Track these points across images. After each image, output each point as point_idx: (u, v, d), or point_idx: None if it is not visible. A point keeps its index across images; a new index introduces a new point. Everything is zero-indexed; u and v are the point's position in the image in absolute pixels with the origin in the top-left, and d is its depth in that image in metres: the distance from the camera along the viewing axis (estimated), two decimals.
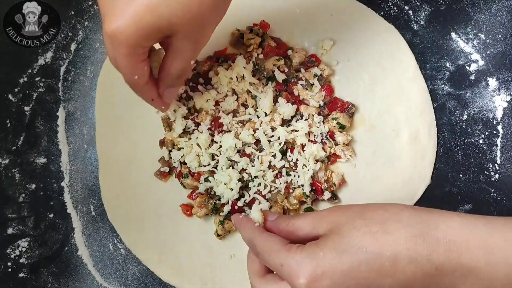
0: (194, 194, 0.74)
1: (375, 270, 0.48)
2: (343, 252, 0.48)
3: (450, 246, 0.48)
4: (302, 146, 0.73)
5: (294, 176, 0.72)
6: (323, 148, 0.73)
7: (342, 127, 0.73)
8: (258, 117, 0.73)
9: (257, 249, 0.56)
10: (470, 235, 0.49)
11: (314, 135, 0.73)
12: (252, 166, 0.72)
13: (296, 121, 0.73)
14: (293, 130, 0.73)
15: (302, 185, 0.72)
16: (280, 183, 0.72)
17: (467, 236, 0.49)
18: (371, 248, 0.48)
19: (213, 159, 0.73)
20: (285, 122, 0.73)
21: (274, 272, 0.55)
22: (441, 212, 0.52)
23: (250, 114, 0.73)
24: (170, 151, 0.75)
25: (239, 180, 0.71)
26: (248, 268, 0.59)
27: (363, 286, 0.48)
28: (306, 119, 0.73)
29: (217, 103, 0.74)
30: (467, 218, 0.51)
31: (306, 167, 0.72)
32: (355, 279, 0.48)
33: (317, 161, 0.72)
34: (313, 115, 0.74)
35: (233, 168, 0.72)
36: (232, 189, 0.70)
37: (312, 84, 0.75)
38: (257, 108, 0.73)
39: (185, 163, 0.74)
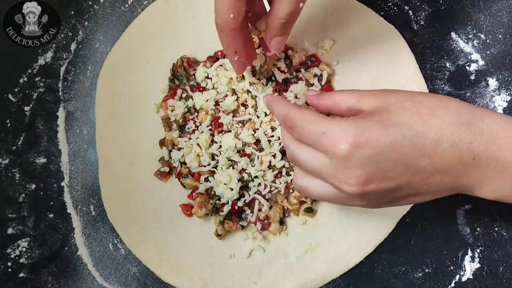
0: (194, 194, 0.74)
1: (416, 148, 0.48)
2: (389, 126, 0.49)
3: (492, 139, 0.49)
4: None
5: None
6: None
7: None
8: (258, 117, 0.73)
9: (294, 121, 0.54)
10: None
11: None
12: (252, 166, 0.72)
13: None
14: None
15: None
16: (280, 183, 0.72)
17: (510, 133, 0.50)
18: (417, 127, 0.49)
19: (213, 159, 0.73)
20: None
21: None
22: (488, 110, 0.52)
23: (250, 114, 0.73)
24: (170, 151, 0.75)
25: (239, 180, 0.71)
26: (283, 135, 0.58)
27: (401, 161, 0.49)
28: None
29: (217, 103, 0.74)
30: None
31: None
32: (396, 152, 0.48)
33: None
34: None
35: (233, 168, 0.72)
36: (232, 189, 0.70)
37: (312, 84, 0.75)
38: (257, 108, 0.73)
39: (185, 163, 0.74)
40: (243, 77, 0.73)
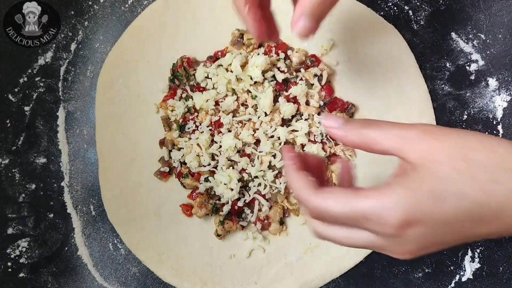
0: (194, 194, 0.74)
1: (475, 220, 0.43)
2: (443, 199, 0.42)
3: None
4: (302, 146, 0.73)
5: None
6: (323, 148, 0.73)
7: None
8: (258, 117, 0.73)
9: (322, 213, 0.45)
10: None
11: (314, 135, 0.73)
12: (252, 166, 0.72)
13: (296, 121, 0.73)
14: (293, 130, 0.73)
15: None
16: (280, 183, 0.72)
17: None
18: (476, 198, 0.42)
19: (213, 159, 0.73)
20: (285, 122, 0.73)
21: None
22: None
23: (250, 114, 0.73)
24: (170, 151, 0.75)
25: (239, 180, 0.71)
26: (295, 186, 0.48)
27: (457, 233, 0.43)
28: (306, 119, 0.73)
29: (217, 103, 0.74)
30: None
31: None
32: (450, 227, 0.43)
33: None
34: (313, 115, 0.74)
35: (233, 168, 0.72)
36: (232, 189, 0.70)
37: (312, 84, 0.75)
38: (257, 108, 0.73)
39: (185, 163, 0.74)
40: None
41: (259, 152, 0.72)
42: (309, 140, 0.73)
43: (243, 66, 0.74)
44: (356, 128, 0.47)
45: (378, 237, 0.44)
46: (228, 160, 0.72)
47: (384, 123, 0.47)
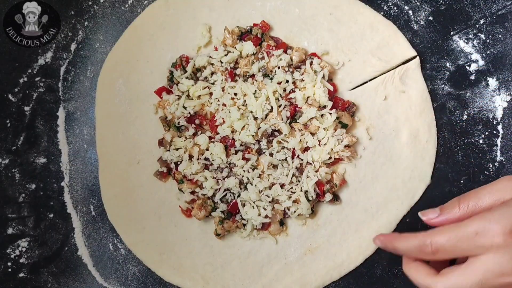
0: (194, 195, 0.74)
1: None
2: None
3: None
4: (305, 149, 0.73)
5: (297, 183, 0.72)
6: (328, 153, 0.72)
7: (344, 126, 0.73)
8: (255, 118, 0.73)
9: (436, 243, 0.53)
10: None
11: (320, 140, 0.73)
12: (251, 167, 0.72)
13: (296, 121, 0.74)
14: (298, 125, 0.73)
15: (306, 191, 0.71)
16: (282, 184, 0.72)
17: None
18: None
19: (211, 164, 0.73)
20: (291, 117, 0.73)
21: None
22: None
23: (251, 112, 0.73)
24: (168, 151, 0.75)
25: (239, 182, 0.71)
26: (415, 276, 0.56)
27: None
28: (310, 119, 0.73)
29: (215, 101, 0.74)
30: None
31: (315, 171, 0.72)
32: None
33: (322, 163, 0.73)
34: (320, 115, 0.73)
35: (231, 170, 0.72)
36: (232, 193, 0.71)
37: (314, 85, 0.74)
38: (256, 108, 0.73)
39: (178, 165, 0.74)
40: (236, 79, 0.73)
41: (259, 154, 0.72)
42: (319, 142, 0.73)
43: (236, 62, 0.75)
44: (454, 205, 0.56)
45: (494, 256, 0.50)
46: (227, 163, 0.73)
47: (480, 189, 0.56)
